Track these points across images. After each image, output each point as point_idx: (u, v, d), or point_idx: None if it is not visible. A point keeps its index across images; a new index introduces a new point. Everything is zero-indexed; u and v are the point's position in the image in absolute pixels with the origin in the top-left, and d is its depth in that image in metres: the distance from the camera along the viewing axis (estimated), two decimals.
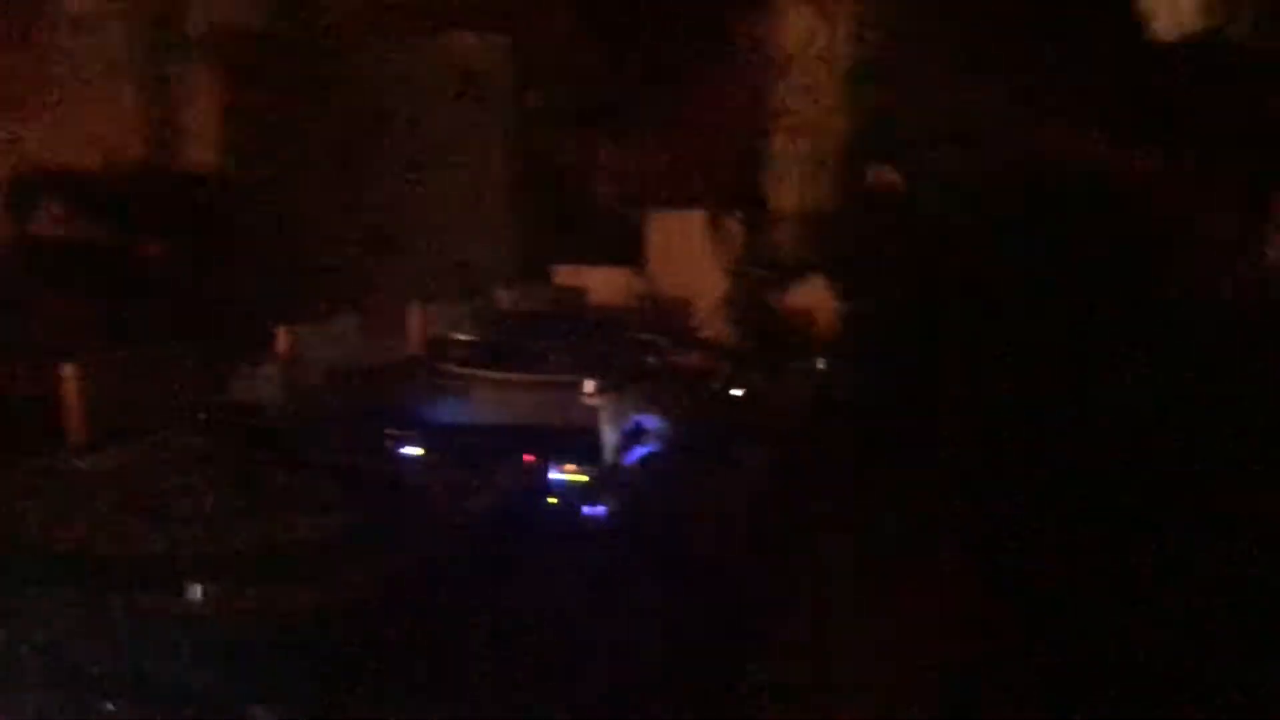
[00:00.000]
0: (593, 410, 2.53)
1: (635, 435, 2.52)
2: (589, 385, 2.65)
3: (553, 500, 2.23)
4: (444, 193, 4.06)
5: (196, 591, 1.64)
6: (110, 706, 1.57)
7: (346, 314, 3.17)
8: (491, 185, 4.09)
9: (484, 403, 2.58)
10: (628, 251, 3.87)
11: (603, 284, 3.82)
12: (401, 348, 3.30)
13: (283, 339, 2.93)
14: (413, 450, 2.39)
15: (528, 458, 2.43)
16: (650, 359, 2.93)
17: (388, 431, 2.41)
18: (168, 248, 4.33)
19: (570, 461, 2.37)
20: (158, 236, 4.37)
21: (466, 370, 2.77)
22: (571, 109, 4.33)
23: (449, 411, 2.55)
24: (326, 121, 4.05)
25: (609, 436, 2.44)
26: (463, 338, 2.98)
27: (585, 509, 2.26)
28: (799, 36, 4.44)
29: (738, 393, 3.01)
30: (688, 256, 3.77)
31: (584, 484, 2.30)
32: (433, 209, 4.06)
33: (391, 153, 4.05)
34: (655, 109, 4.59)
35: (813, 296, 3.65)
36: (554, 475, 2.36)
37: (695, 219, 3.80)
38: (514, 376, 2.70)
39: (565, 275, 3.85)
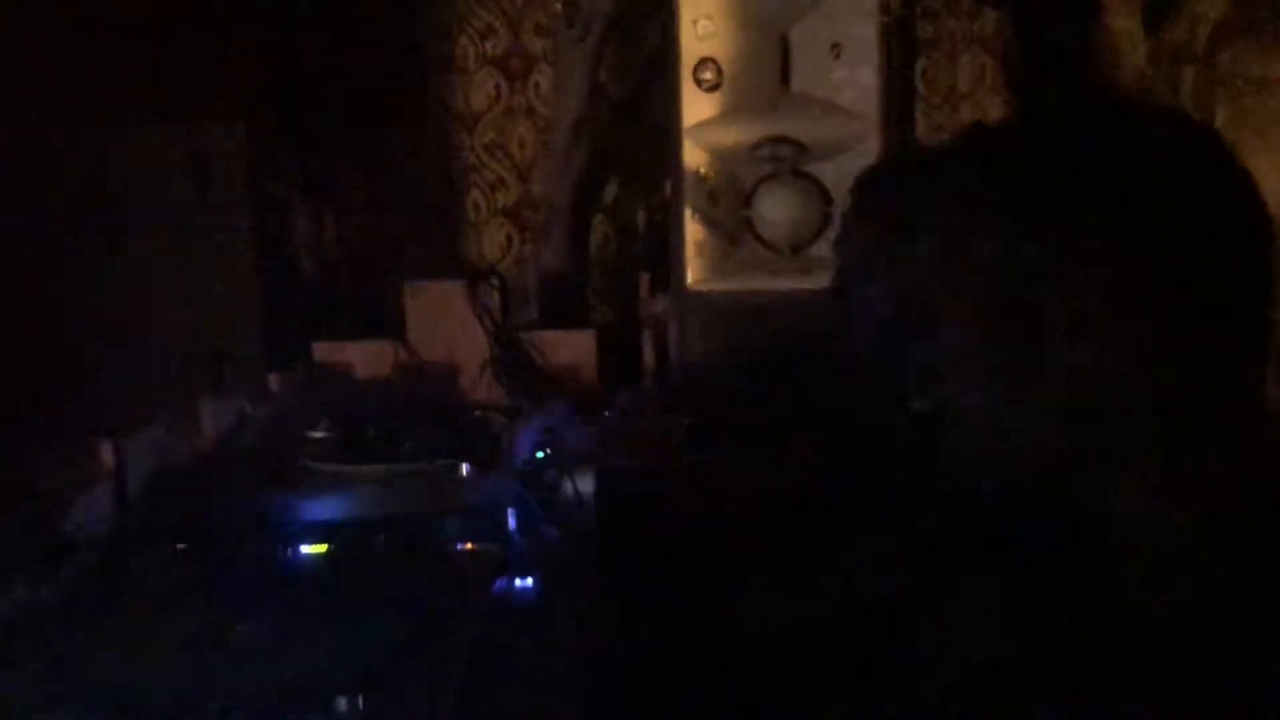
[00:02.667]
0: (477, 489, 2.68)
1: (525, 508, 2.70)
2: (465, 468, 2.79)
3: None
4: (188, 283, 3.95)
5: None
6: None
7: (159, 417, 3.03)
8: (236, 272, 4.02)
9: (364, 497, 2.64)
10: (383, 325, 3.97)
11: (365, 357, 3.90)
12: (196, 450, 3.21)
13: (107, 453, 2.77)
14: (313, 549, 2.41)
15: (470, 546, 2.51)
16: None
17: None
18: None
19: (472, 541, 2.50)
20: None
21: (333, 466, 2.80)
22: (297, 190, 4.34)
23: (331, 510, 2.59)
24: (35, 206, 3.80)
25: (505, 513, 2.60)
26: (319, 434, 2.98)
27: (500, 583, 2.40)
28: (487, 95, 4.76)
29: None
30: (448, 324, 3.94)
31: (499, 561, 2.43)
32: (177, 301, 3.93)
33: (127, 244, 3.87)
34: (365, 181, 4.71)
35: (575, 351, 3.96)
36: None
37: (452, 287, 3.97)
38: (395, 468, 2.77)
39: (325, 351, 3.88)
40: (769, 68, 3.86)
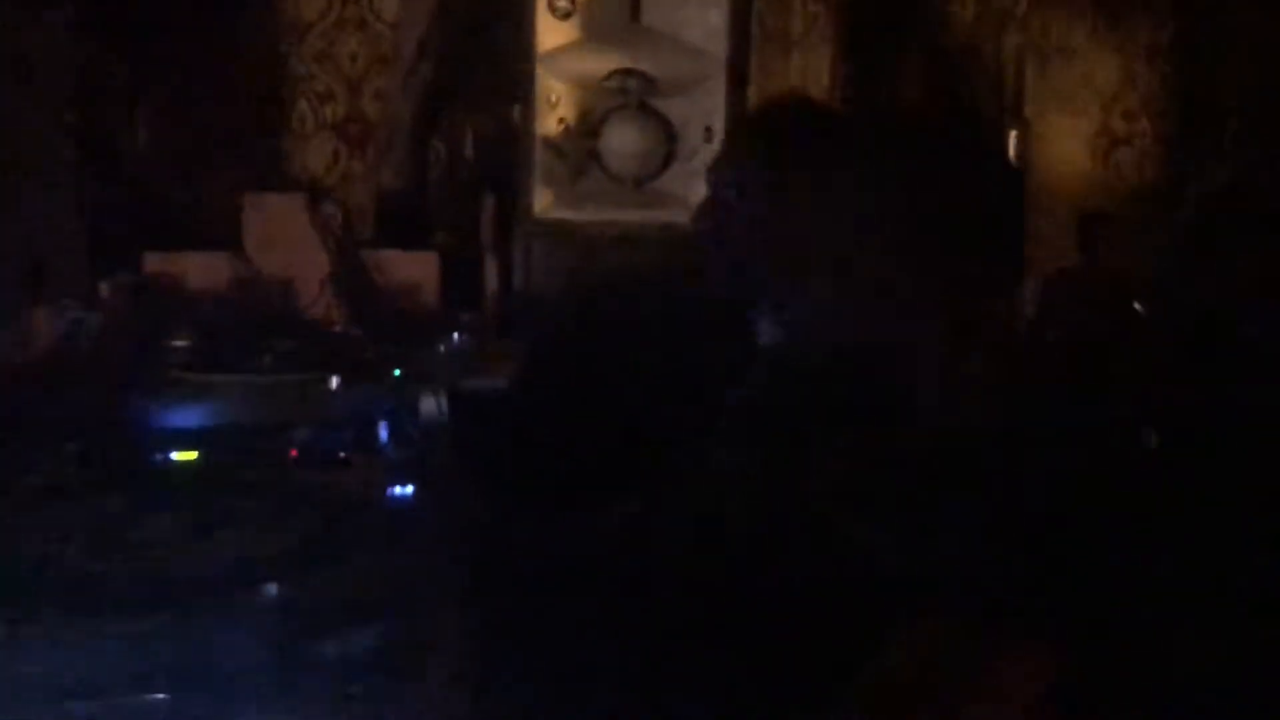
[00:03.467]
0: (349, 401, 2.67)
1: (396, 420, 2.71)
2: (334, 380, 2.76)
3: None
4: (4, 183, 3.68)
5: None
6: None
7: None
8: (56, 177, 3.77)
9: (236, 406, 2.58)
10: (215, 236, 3.83)
11: (200, 270, 3.77)
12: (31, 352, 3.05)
13: None
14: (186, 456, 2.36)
15: (292, 453, 2.52)
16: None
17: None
18: None
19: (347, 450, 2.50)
20: None
21: (203, 376, 2.71)
22: (119, 90, 4.11)
23: (201, 417, 2.52)
24: None
25: (377, 425, 2.60)
26: (180, 343, 2.87)
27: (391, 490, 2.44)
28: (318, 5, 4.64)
29: None
30: (287, 238, 3.86)
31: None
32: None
33: None
34: (186, 85, 4.51)
35: (416, 272, 3.95)
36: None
37: (293, 200, 3.88)
38: (261, 379, 2.72)
39: (156, 263, 3.73)
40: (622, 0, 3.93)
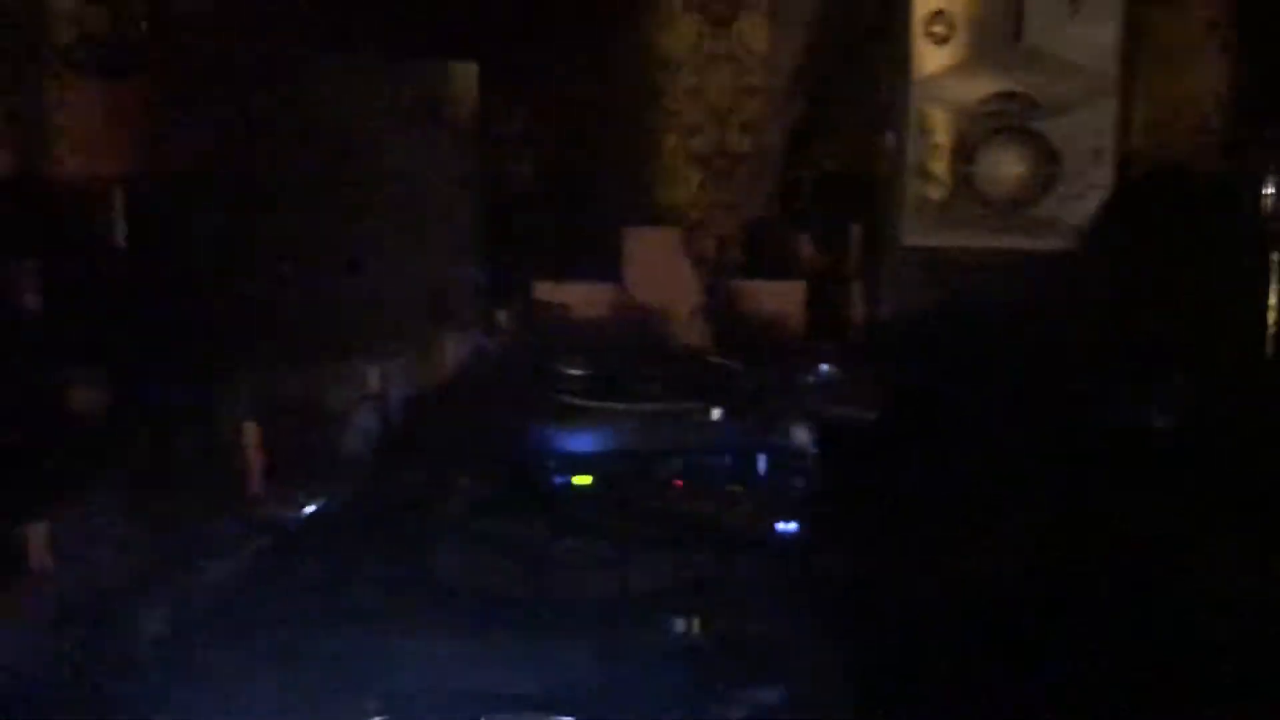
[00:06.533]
0: (729, 431, 2.74)
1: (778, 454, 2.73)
2: (715, 410, 2.84)
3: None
4: (412, 218, 4.06)
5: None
6: None
7: (408, 345, 3.14)
8: (458, 209, 4.11)
9: (624, 433, 2.71)
10: (601, 268, 4.02)
11: (582, 300, 3.98)
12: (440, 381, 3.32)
13: (373, 377, 2.90)
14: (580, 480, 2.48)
15: (677, 482, 2.61)
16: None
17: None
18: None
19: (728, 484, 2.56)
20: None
21: (595, 403, 2.89)
22: (528, 135, 4.42)
23: (593, 443, 2.67)
24: (271, 140, 3.94)
25: (757, 457, 2.65)
26: (571, 371, 3.07)
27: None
28: (689, 40, 4.75)
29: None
30: (663, 269, 3.99)
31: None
32: (401, 236, 4.05)
33: (352, 177, 3.99)
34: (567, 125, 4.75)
35: (782, 301, 3.97)
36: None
37: (669, 233, 4.02)
38: (648, 407, 2.85)
39: (545, 291, 3.97)
40: (1002, 21, 3.79)
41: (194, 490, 2.28)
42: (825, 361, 3.62)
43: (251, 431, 2.43)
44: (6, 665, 1.57)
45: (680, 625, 1.69)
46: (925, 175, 3.77)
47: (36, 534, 1.84)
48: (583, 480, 2.49)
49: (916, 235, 3.79)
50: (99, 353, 3.36)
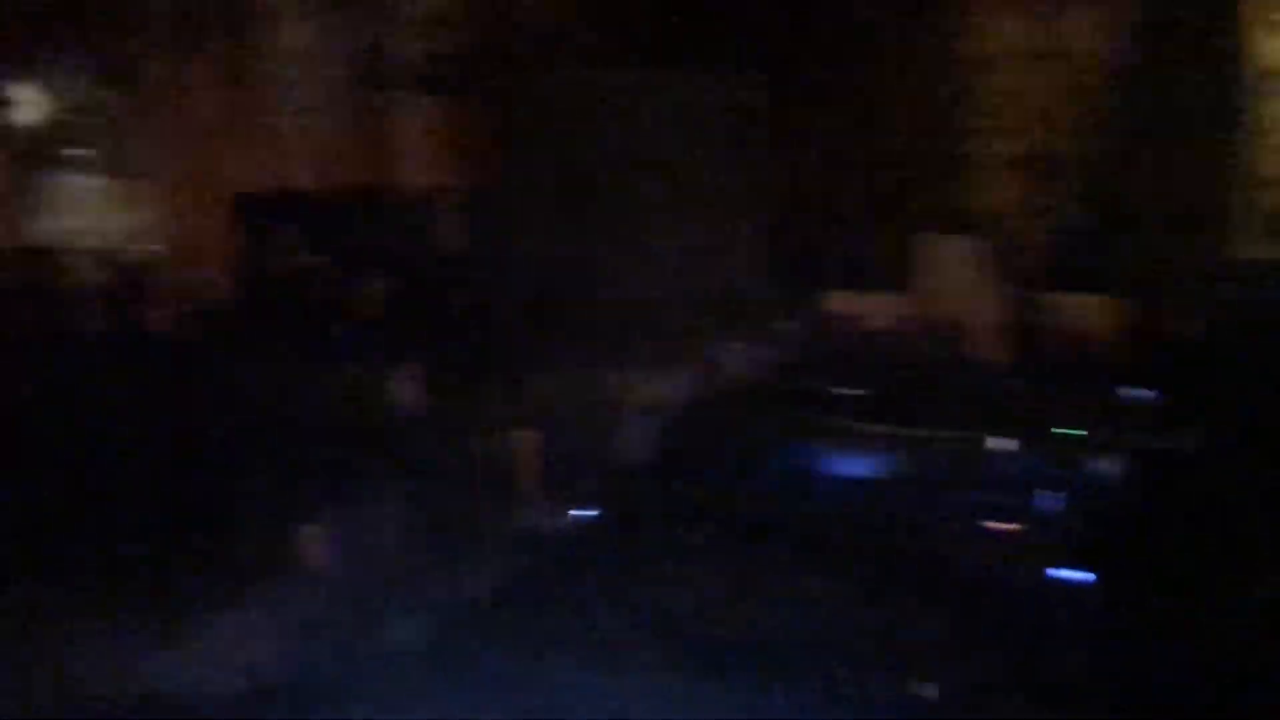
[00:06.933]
0: (1021, 464, 2.51)
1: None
2: (1003, 441, 2.60)
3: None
4: (699, 227, 4.07)
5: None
6: None
7: (690, 357, 3.14)
8: (750, 218, 4.09)
9: (900, 460, 2.57)
10: (882, 277, 3.88)
11: (875, 310, 3.85)
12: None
13: (654, 389, 2.90)
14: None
15: (953, 519, 2.41)
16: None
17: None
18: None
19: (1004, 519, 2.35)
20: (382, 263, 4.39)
21: (871, 426, 2.75)
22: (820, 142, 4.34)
23: (864, 469, 2.54)
24: (575, 151, 4.06)
25: (1044, 494, 2.44)
26: (848, 391, 2.96)
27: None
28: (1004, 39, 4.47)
29: None
30: (957, 280, 3.80)
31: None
32: (695, 242, 4.06)
33: (648, 186, 4.05)
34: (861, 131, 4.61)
35: (1091, 318, 3.68)
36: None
37: (965, 242, 3.83)
38: (930, 434, 2.67)
39: (836, 301, 3.87)
40: None
41: (467, 496, 2.37)
42: (1141, 384, 3.31)
43: (530, 439, 2.50)
44: (271, 662, 1.68)
45: (943, 688, 1.56)
46: (1264, 183, 3.39)
47: (313, 534, 1.97)
48: (845, 508, 2.38)
49: (1251, 247, 3.41)
50: (422, 355, 3.58)
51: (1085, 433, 2.67)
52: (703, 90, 4.01)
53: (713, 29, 4.04)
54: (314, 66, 4.69)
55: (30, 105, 4.64)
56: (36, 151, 4.69)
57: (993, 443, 2.62)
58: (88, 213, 4.72)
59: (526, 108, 4.26)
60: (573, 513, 2.46)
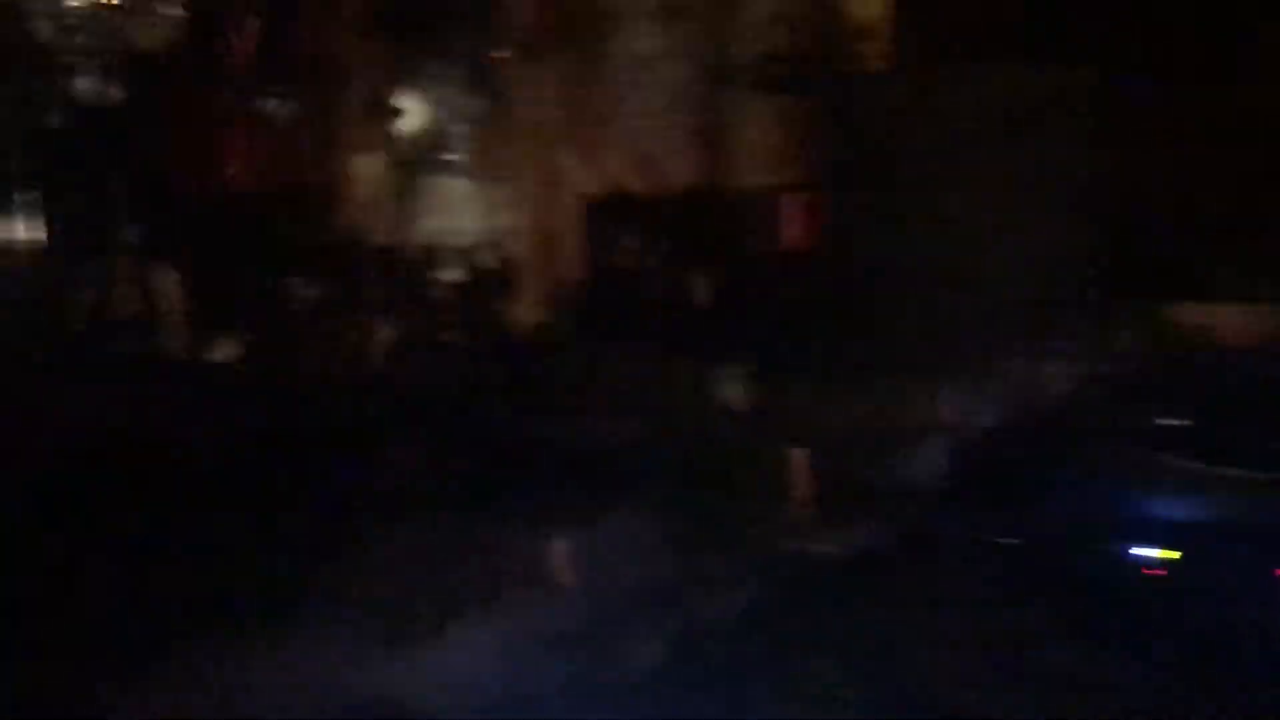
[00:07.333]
0: None
1: None
2: None
3: None
4: (1021, 229, 3.77)
5: None
6: None
7: (995, 373, 2.91)
8: (1072, 220, 3.74)
9: (1224, 505, 2.23)
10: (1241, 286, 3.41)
11: (1234, 323, 3.38)
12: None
13: (949, 409, 2.67)
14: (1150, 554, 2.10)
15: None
16: None
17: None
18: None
19: None
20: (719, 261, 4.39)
21: (1197, 465, 2.41)
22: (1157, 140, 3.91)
23: (1181, 511, 2.24)
24: (903, 152, 3.89)
25: None
26: (1172, 423, 2.63)
27: None
28: None
29: None
30: None
31: None
32: (1010, 246, 3.78)
33: (971, 183, 3.81)
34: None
35: None
36: None
37: None
38: (1263, 475, 2.32)
39: (1185, 313, 3.43)
40: None
41: (727, 512, 2.30)
42: None
43: (800, 457, 2.39)
44: (493, 680, 1.68)
45: None
46: None
47: (560, 550, 1.95)
48: (1166, 555, 2.10)
49: None
50: (746, 356, 3.55)
51: None
52: (1028, 82, 3.72)
53: (1055, 19, 3.74)
54: (658, 70, 4.79)
55: (409, 114, 5.00)
56: (412, 157, 5.05)
57: None
58: (453, 214, 5.04)
59: (863, 106, 4.17)
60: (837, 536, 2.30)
